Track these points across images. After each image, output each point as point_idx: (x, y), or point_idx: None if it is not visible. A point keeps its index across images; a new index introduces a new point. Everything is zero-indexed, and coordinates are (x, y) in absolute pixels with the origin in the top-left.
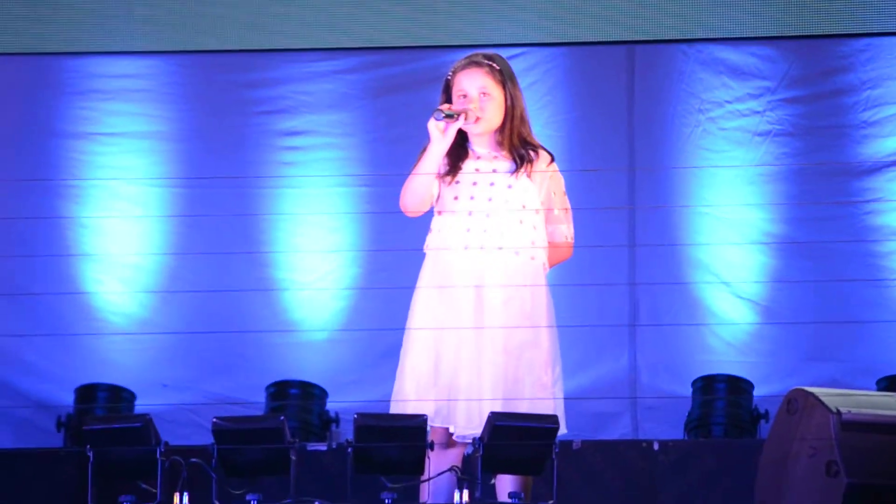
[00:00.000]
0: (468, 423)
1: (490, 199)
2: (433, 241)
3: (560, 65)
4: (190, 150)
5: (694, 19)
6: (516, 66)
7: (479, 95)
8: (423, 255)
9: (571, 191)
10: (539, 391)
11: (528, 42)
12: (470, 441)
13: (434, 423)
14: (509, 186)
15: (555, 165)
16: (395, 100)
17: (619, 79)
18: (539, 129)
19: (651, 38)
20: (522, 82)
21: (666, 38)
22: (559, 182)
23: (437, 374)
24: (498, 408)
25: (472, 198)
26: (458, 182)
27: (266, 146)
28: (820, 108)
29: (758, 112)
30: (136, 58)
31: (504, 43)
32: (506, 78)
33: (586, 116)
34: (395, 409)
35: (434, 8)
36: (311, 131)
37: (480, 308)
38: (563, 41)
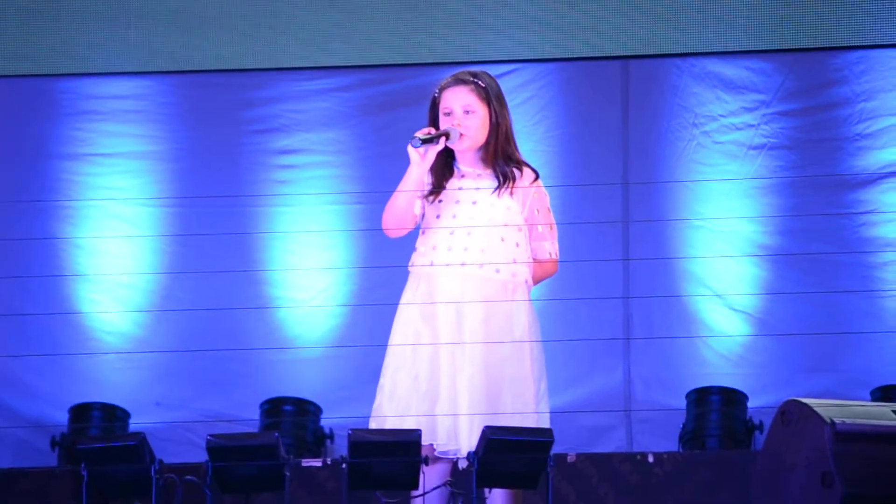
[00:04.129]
0: (448, 440)
1: (472, 218)
2: (417, 260)
3: (554, 81)
4: (184, 169)
5: (688, 34)
6: (511, 82)
7: (462, 113)
8: None
9: (566, 205)
10: (520, 407)
11: (523, 58)
12: (452, 457)
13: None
14: (491, 205)
15: (539, 182)
16: (390, 117)
17: (613, 94)
18: (534, 144)
19: (645, 53)
20: (517, 99)
21: (660, 52)
22: (543, 199)
23: (416, 391)
24: (477, 424)
25: (454, 216)
26: (441, 201)
27: (260, 165)
28: (814, 120)
29: (752, 125)
30: (131, 78)
31: (499, 59)
32: (491, 95)
33: (581, 131)
34: (373, 425)
35: (429, 25)
36: (305, 149)
37: (460, 326)
38: (558, 57)
